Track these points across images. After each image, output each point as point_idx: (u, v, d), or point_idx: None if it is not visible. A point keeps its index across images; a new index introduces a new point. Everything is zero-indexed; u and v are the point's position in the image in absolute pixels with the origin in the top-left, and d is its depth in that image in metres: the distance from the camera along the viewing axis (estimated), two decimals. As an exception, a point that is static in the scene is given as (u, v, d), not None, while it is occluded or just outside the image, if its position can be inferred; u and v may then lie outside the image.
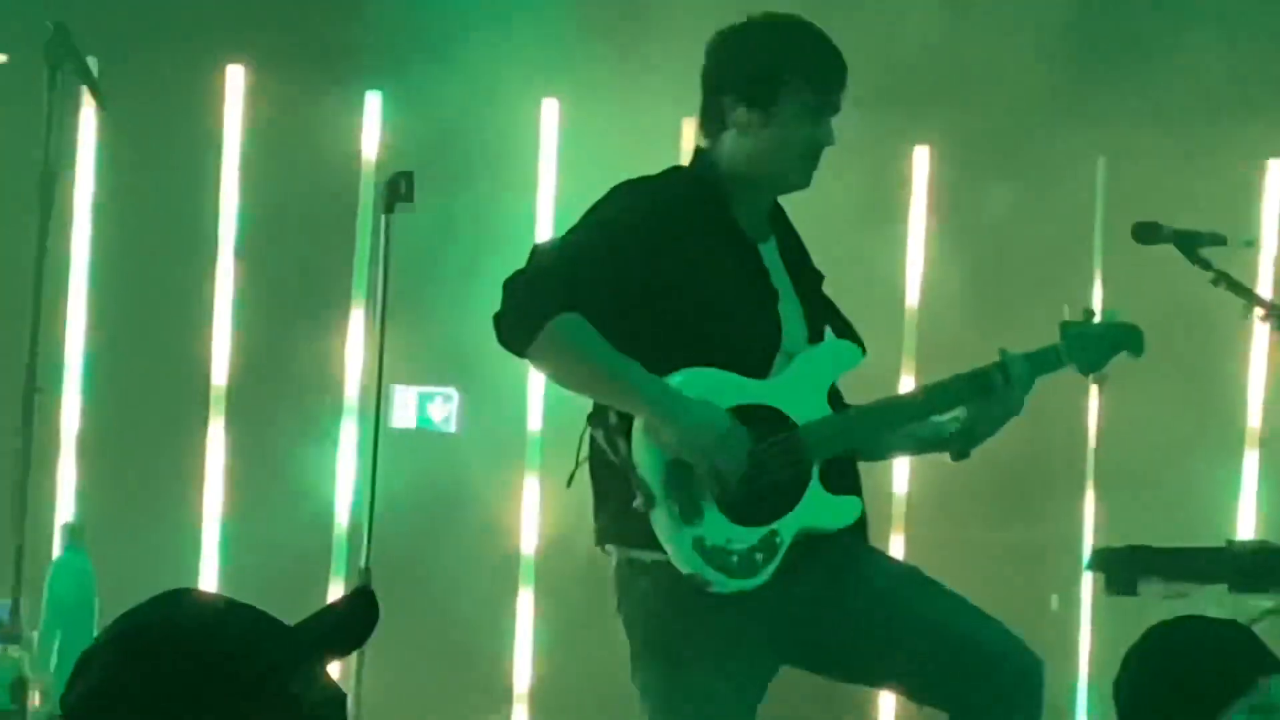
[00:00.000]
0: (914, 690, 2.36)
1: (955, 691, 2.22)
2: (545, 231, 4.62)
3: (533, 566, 4.79)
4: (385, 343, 3.53)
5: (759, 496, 2.15)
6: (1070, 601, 4.79)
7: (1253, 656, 1.68)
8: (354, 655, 2.67)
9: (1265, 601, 3.34)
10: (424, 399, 4.67)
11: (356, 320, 4.68)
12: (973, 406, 2.33)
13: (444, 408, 4.70)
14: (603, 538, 2.25)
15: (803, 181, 2.33)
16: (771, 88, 2.26)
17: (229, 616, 0.73)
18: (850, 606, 2.23)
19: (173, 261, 4.74)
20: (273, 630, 0.72)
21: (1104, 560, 3.62)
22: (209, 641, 0.70)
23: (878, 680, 2.55)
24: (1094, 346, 2.46)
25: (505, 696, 4.76)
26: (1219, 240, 2.94)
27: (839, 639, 2.27)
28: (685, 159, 2.56)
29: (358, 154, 4.76)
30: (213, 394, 4.72)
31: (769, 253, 2.31)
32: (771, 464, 2.16)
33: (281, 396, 4.78)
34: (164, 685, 0.68)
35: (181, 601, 0.74)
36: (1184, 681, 1.66)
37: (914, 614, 2.24)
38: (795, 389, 2.24)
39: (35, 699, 3.46)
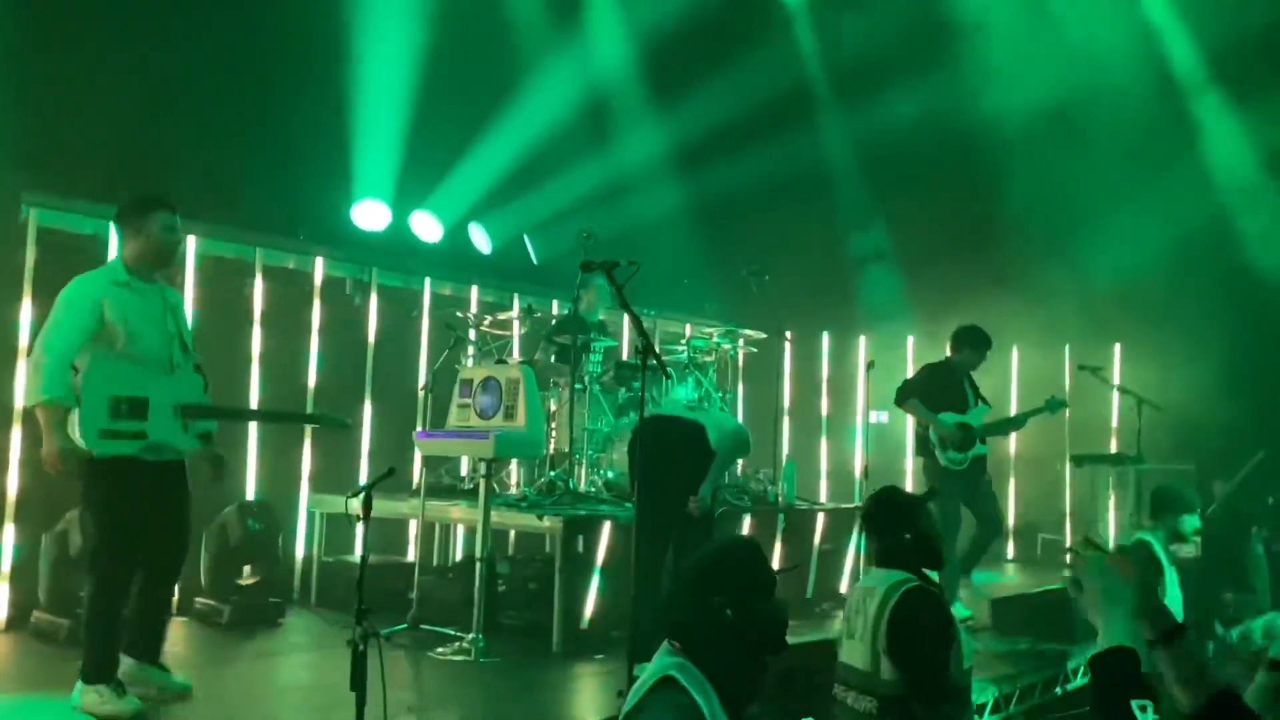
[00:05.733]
0: (974, 511, 8.24)
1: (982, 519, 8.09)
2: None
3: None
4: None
5: (966, 445, 8.01)
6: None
7: None
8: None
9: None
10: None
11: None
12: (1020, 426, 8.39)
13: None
14: (919, 453, 8.23)
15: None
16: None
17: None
18: (976, 479, 8.05)
19: None
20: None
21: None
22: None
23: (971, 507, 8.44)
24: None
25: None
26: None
27: (973, 489, 8.11)
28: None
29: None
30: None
31: (965, 380, 8.17)
32: (967, 437, 8.07)
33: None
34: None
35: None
36: None
37: (983, 493, 8.06)
38: (973, 416, 8.00)
39: None
